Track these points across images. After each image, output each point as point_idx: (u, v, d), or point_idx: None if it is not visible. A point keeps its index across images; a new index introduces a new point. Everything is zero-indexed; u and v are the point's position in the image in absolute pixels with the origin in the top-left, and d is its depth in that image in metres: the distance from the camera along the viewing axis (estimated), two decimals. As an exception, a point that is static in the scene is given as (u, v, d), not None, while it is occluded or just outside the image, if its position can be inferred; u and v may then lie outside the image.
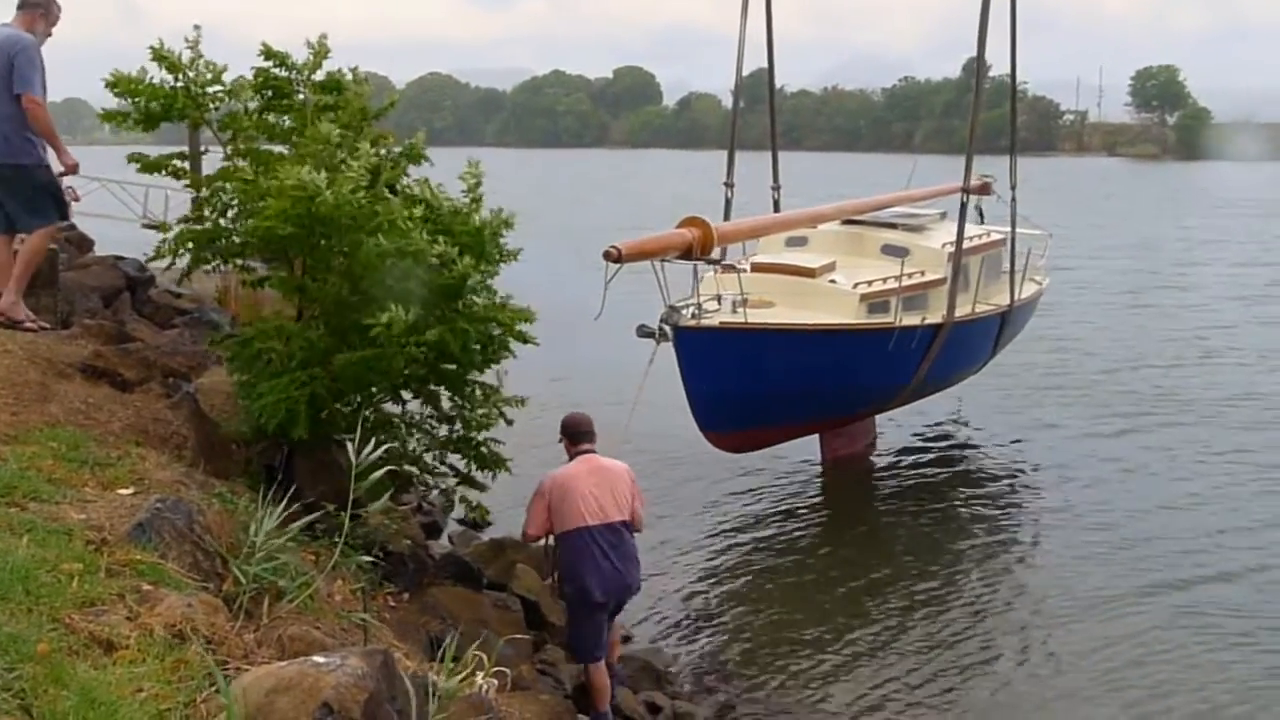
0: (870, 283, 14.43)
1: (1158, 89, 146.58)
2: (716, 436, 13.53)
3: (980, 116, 16.41)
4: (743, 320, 12.51)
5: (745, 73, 18.05)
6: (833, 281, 14.53)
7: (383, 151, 7.97)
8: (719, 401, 12.77)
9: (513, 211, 7.87)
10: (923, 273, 15.32)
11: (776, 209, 17.81)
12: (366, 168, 7.22)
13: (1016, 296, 17.33)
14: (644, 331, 11.88)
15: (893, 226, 16.66)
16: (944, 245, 15.70)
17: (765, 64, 18.64)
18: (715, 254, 11.81)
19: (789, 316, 13.48)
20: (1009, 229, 17.64)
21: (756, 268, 15.05)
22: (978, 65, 16.71)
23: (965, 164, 15.61)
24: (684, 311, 12.06)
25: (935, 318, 14.91)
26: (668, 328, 11.76)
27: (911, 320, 14.43)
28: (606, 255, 10.19)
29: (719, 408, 12.89)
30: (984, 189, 19.23)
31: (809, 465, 15.54)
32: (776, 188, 18.44)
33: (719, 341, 12.31)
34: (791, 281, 14.40)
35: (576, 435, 7.94)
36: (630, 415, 9.14)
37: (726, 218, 16.14)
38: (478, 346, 7.56)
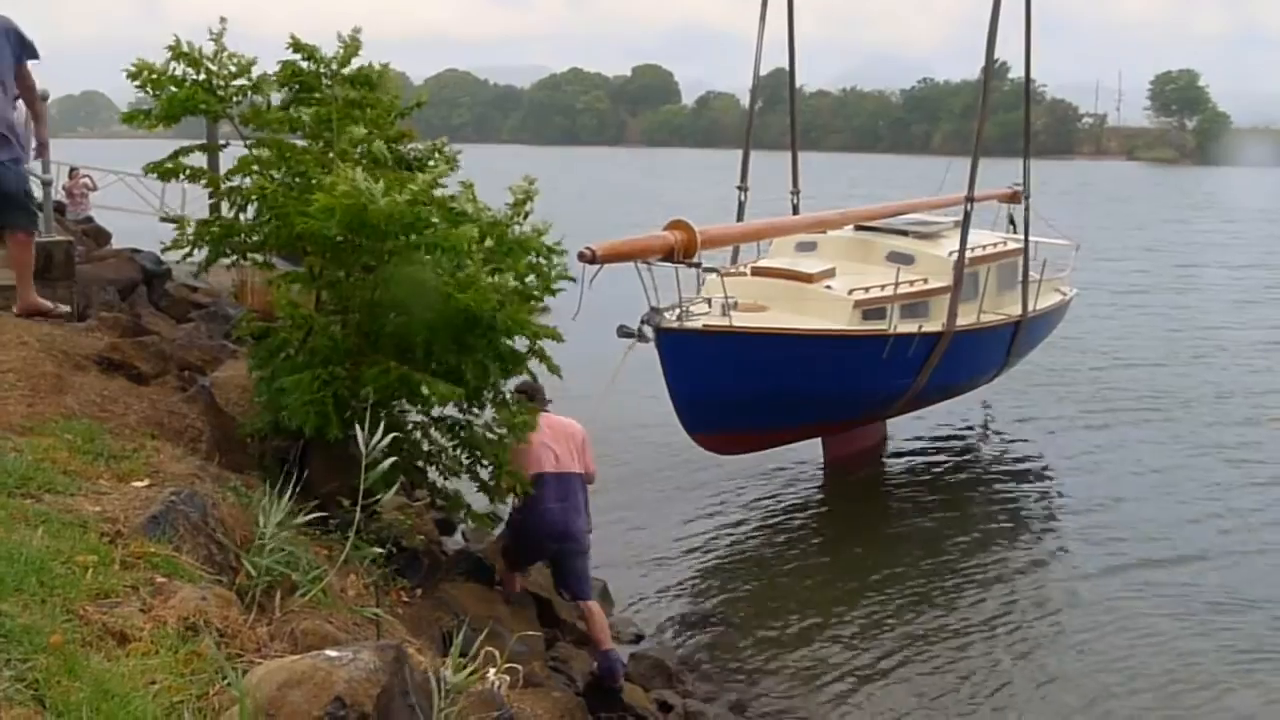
0: (867, 289, 14.34)
1: (1177, 93, 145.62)
2: (702, 438, 13.51)
3: (988, 121, 16.35)
4: (727, 323, 12.48)
5: (762, 73, 18.01)
6: (828, 287, 14.46)
7: (416, 150, 7.94)
8: (700, 403, 12.76)
9: (563, 249, 7.97)
10: (925, 280, 15.21)
11: (796, 214, 17.74)
12: (430, 184, 7.18)
13: (1033, 306, 17.23)
14: (624, 332, 11.86)
15: (904, 234, 16.54)
16: (950, 253, 15.55)
17: (781, 64, 18.60)
18: (716, 259, 11.78)
19: (781, 321, 13.42)
20: (1034, 237, 17.57)
21: (756, 271, 15.03)
22: (985, 73, 16.60)
23: (970, 172, 15.56)
24: (667, 313, 12.02)
25: (936, 326, 14.82)
26: (649, 329, 11.76)
27: (909, 328, 14.35)
28: (581, 256, 10.19)
29: (700, 410, 12.88)
30: (1014, 197, 19.04)
31: (813, 466, 15.53)
32: (795, 192, 18.34)
33: (700, 344, 12.25)
34: (787, 286, 14.37)
35: (536, 398, 8.62)
36: (600, 409, 9.35)
37: (740, 221, 16.10)
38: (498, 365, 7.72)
